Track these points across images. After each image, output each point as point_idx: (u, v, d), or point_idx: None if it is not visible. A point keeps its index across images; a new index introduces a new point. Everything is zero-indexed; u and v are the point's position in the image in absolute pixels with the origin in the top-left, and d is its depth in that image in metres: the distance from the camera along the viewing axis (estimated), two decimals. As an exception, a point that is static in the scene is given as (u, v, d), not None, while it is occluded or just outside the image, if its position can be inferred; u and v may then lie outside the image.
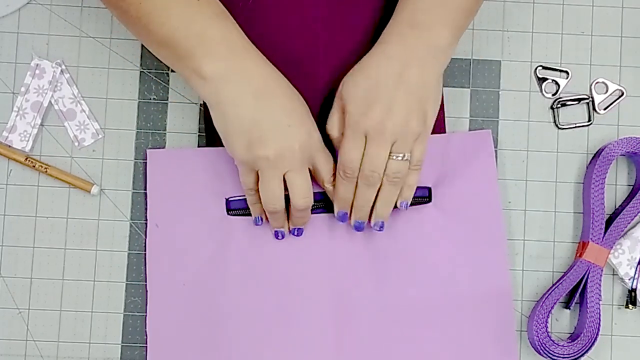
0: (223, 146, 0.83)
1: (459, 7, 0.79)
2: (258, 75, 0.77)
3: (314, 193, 0.84)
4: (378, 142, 0.78)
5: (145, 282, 0.85)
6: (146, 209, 0.85)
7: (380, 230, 0.82)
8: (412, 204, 0.84)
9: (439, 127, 0.86)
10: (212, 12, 0.76)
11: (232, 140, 0.78)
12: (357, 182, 0.80)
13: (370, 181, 0.79)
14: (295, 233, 0.84)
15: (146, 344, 0.84)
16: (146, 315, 0.84)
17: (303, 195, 0.79)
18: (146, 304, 0.85)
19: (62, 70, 0.86)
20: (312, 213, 0.84)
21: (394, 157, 0.78)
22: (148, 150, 0.85)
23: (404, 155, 0.78)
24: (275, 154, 0.77)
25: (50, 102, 0.86)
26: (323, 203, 0.84)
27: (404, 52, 0.78)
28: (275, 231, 0.83)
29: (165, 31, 0.75)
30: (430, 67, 0.79)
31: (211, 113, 0.78)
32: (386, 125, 0.77)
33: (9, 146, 0.85)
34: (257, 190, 0.80)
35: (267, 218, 0.83)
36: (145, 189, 0.85)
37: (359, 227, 0.82)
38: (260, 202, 0.81)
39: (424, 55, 0.78)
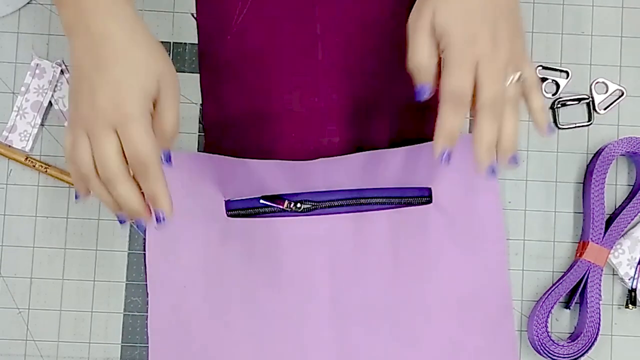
0: (224, 146, 0.84)
1: None
2: (93, 32, 0.70)
3: (314, 193, 0.85)
4: (492, 69, 0.72)
5: (146, 282, 0.85)
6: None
7: (516, 164, 0.76)
8: (412, 205, 0.84)
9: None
10: None
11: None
12: (477, 119, 0.74)
13: (495, 109, 0.72)
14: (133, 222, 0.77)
15: (147, 344, 0.84)
16: (147, 317, 0.84)
17: (102, 164, 0.70)
18: (147, 306, 0.85)
19: (62, 70, 0.86)
20: (312, 214, 0.84)
21: (510, 80, 0.73)
22: (145, 155, 0.85)
23: (518, 77, 0.74)
24: (76, 110, 0.71)
25: (50, 102, 0.86)
26: (325, 204, 0.85)
27: None
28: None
29: None
30: None
31: None
32: (498, 52, 0.72)
33: (9, 146, 0.85)
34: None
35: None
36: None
37: (495, 171, 0.75)
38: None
39: None
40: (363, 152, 0.84)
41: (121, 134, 0.69)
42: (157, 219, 0.73)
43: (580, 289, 0.85)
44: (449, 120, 0.74)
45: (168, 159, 0.73)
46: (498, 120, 0.73)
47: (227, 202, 0.85)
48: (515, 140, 0.74)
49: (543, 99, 0.76)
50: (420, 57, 0.74)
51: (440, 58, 0.74)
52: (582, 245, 0.85)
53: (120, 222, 0.75)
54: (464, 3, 0.73)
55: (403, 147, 0.84)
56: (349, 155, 0.83)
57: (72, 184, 0.85)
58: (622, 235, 0.86)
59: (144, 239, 0.85)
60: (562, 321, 0.86)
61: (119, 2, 0.72)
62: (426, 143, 0.85)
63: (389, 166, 0.84)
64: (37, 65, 0.86)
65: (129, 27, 0.71)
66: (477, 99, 0.73)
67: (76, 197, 0.75)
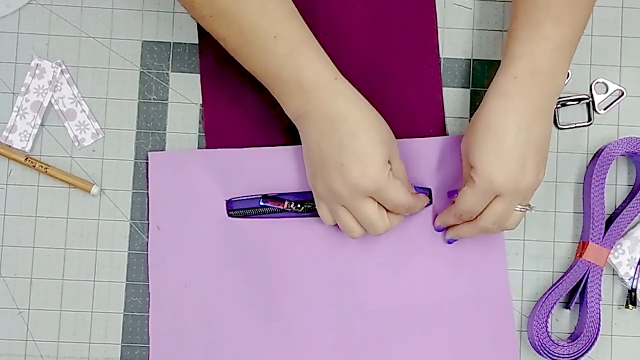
0: (223, 147, 0.84)
1: (574, 43, 0.78)
2: (322, 116, 0.76)
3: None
4: (510, 201, 0.77)
5: (148, 282, 0.85)
6: (148, 210, 0.85)
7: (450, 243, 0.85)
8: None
9: (439, 127, 0.86)
10: (287, 51, 0.75)
11: (306, 169, 0.80)
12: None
13: (487, 231, 0.79)
14: None
15: (147, 344, 0.84)
16: (148, 317, 0.84)
17: (371, 228, 0.79)
18: (148, 306, 0.85)
19: (62, 70, 0.86)
20: (313, 215, 0.84)
21: (519, 209, 0.78)
22: (149, 153, 0.85)
23: (523, 209, 0.79)
24: (325, 190, 0.78)
25: (50, 102, 0.86)
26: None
27: (528, 106, 0.76)
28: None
29: (250, 65, 0.78)
30: (551, 116, 0.78)
31: None
32: (520, 186, 0.76)
33: (9, 146, 0.85)
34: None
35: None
36: (146, 190, 0.85)
37: (450, 242, 0.85)
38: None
39: (547, 106, 0.77)
40: None
41: (380, 199, 0.78)
42: None
43: (580, 289, 0.85)
44: (448, 220, 0.82)
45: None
46: (483, 232, 0.80)
47: (227, 202, 0.85)
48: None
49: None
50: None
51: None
52: (582, 245, 0.85)
53: None
54: (494, 136, 0.76)
55: (401, 139, 0.84)
56: None
57: (73, 184, 0.85)
58: (622, 235, 0.86)
59: (145, 239, 0.85)
60: (562, 321, 0.86)
61: (345, 83, 0.77)
62: (422, 139, 0.85)
63: None
64: (37, 65, 0.86)
65: (359, 104, 0.77)
66: (478, 218, 0.79)
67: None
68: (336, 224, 0.82)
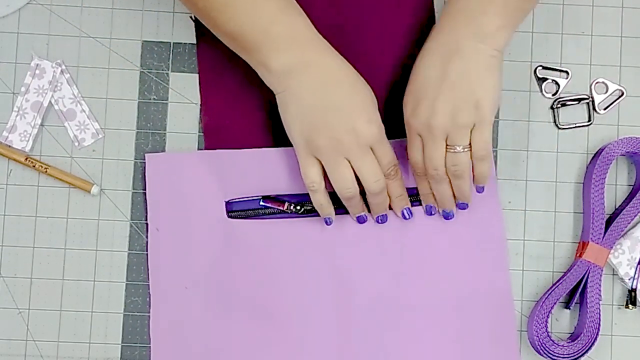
0: (223, 148, 0.84)
1: None
2: (321, 67, 0.78)
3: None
4: (431, 141, 0.79)
5: (148, 282, 0.85)
6: (146, 211, 0.85)
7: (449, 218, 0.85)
8: (412, 205, 0.84)
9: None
10: (277, 7, 0.76)
11: (292, 128, 0.79)
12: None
13: (436, 179, 0.81)
14: (379, 221, 0.84)
15: (147, 344, 0.84)
16: (148, 317, 0.84)
17: (373, 179, 0.80)
18: (148, 306, 0.85)
19: (62, 70, 0.86)
20: (313, 216, 0.84)
21: (451, 150, 0.79)
22: (147, 155, 0.85)
23: (461, 147, 0.79)
24: (333, 139, 0.78)
25: (50, 102, 0.86)
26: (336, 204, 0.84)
27: (442, 45, 0.78)
28: (357, 217, 0.84)
29: (232, 26, 0.77)
30: (474, 55, 0.78)
31: (277, 101, 0.80)
32: (432, 124, 0.78)
33: (9, 146, 0.85)
34: (324, 185, 0.80)
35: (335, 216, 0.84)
36: (145, 190, 0.85)
37: (447, 216, 0.84)
38: (328, 199, 0.81)
39: (467, 45, 0.77)
40: None
41: (377, 152, 0.79)
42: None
43: (580, 289, 0.85)
44: (419, 187, 0.84)
45: None
46: (444, 183, 0.81)
47: (227, 204, 0.85)
48: (465, 198, 0.83)
49: (489, 168, 0.81)
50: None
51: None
52: (582, 245, 0.85)
53: (364, 220, 0.85)
54: (414, 77, 0.80)
55: (402, 139, 0.85)
56: None
57: (73, 184, 0.85)
58: (622, 235, 0.86)
59: (145, 239, 0.85)
60: (562, 321, 0.86)
61: (334, 51, 0.79)
62: None
63: None
64: (37, 65, 0.86)
65: (350, 69, 0.79)
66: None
67: (328, 223, 0.84)
68: (331, 225, 0.82)
